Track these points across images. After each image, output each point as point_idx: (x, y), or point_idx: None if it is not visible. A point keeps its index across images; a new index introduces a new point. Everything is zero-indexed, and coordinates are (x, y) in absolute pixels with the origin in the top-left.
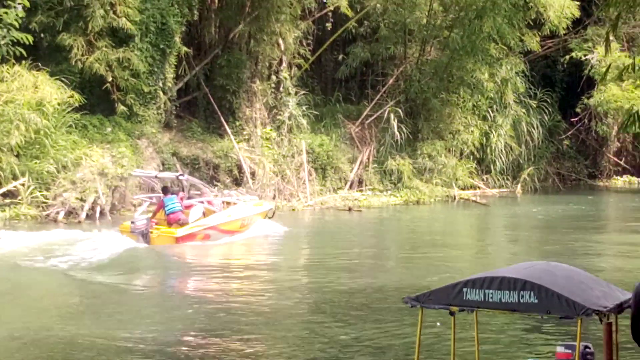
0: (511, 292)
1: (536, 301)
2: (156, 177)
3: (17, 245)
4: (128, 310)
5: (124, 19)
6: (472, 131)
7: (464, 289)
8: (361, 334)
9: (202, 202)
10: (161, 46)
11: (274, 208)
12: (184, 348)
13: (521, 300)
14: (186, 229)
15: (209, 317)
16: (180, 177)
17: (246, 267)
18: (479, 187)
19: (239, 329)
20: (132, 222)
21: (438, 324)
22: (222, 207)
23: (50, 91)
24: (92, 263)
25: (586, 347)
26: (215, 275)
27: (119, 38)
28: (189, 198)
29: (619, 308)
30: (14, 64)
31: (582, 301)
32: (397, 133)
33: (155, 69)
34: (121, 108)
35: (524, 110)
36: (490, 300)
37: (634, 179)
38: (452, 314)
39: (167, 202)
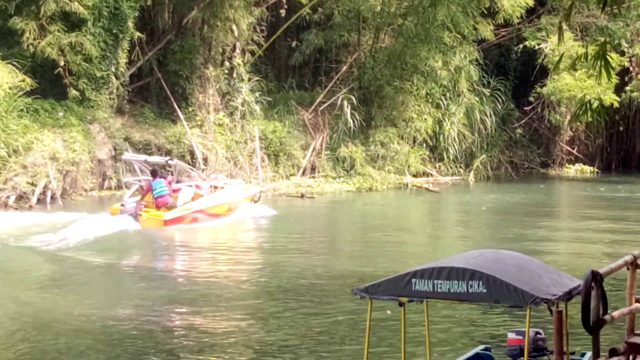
0: (460, 282)
1: (485, 291)
2: (145, 161)
3: (5, 225)
4: (115, 288)
5: (76, 3)
6: (425, 119)
7: (413, 280)
8: (312, 321)
9: (190, 186)
10: (114, 31)
11: (259, 193)
12: (163, 324)
13: (470, 290)
14: (174, 212)
15: (190, 295)
16: (169, 162)
17: (229, 249)
18: (431, 175)
19: (221, 306)
20: (122, 205)
21: (388, 312)
22: (210, 191)
23: (2, 75)
24: (82, 243)
25: (537, 332)
26: (200, 256)
27: (72, 22)
28: (177, 182)
29: (568, 296)
30: None
31: (530, 290)
32: (350, 120)
33: (108, 54)
34: (73, 93)
35: (477, 99)
36: (439, 290)
37: (586, 168)
38: (401, 304)
39: (155, 186)
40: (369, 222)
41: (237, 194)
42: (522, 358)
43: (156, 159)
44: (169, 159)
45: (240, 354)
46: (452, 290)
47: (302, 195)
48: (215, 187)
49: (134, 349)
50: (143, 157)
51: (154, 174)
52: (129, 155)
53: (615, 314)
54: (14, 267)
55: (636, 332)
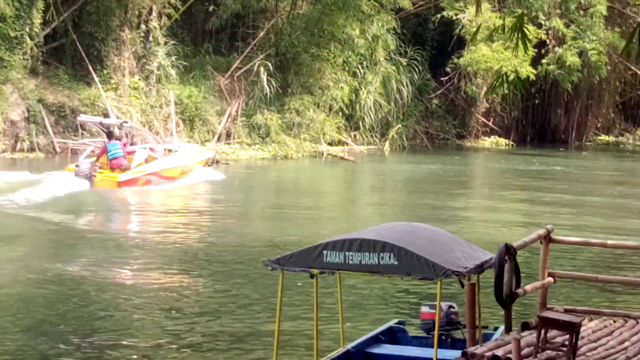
0: (371, 254)
1: (396, 263)
2: (101, 123)
3: None
4: (69, 248)
5: None
6: (341, 87)
7: (324, 252)
8: (224, 293)
9: (144, 149)
10: None
11: (213, 157)
12: (117, 280)
13: (381, 262)
14: (128, 174)
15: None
16: (124, 124)
17: (176, 212)
18: (347, 144)
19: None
20: (77, 166)
21: (299, 283)
22: (164, 154)
23: None
24: (37, 203)
25: (450, 306)
26: (148, 217)
27: None
28: (131, 144)
29: (480, 269)
30: None
31: (441, 262)
32: (266, 87)
33: (22, 14)
34: None
35: (394, 68)
36: (351, 262)
37: (502, 140)
38: (312, 276)
39: (110, 148)
40: (283, 192)
41: (190, 158)
42: (434, 332)
43: (111, 120)
44: (124, 121)
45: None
46: (363, 262)
47: (217, 162)
48: (170, 151)
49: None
50: (98, 119)
51: (109, 135)
52: (84, 117)
53: (528, 287)
54: None
55: (548, 305)
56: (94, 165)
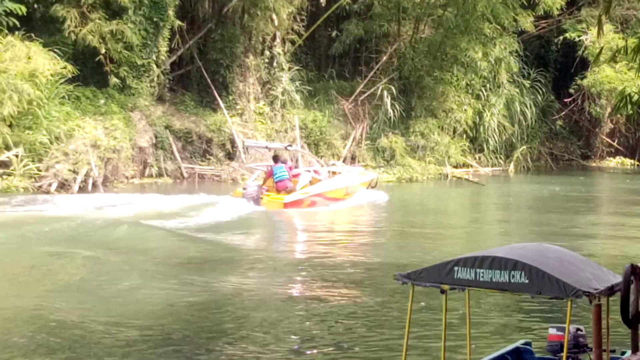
0: (502, 271)
1: (527, 281)
2: (267, 147)
3: (145, 207)
4: (238, 263)
5: None
6: (465, 110)
7: (455, 268)
8: (355, 308)
9: (308, 171)
10: (155, 19)
11: (376, 178)
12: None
13: (512, 280)
14: (294, 196)
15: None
16: (289, 148)
17: (346, 232)
18: (471, 166)
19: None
20: (244, 189)
21: (422, 303)
22: (328, 176)
23: (43, 62)
24: (207, 225)
25: (578, 329)
26: (317, 238)
27: (113, 10)
28: (296, 167)
29: (610, 291)
30: (7, 35)
31: (572, 282)
32: (390, 110)
33: (149, 42)
34: (114, 80)
35: (517, 90)
36: (481, 279)
37: (627, 160)
38: (442, 292)
39: (276, 171)
40: (410, 214)
41: (353, 179)
42: (562, 354)
43: (276, 145)
44: (289, 145)
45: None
46: (494, 280)
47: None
48: (334, 173)
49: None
50: (264, 143)
51: (275, 159)
52: (250, 142)
53: None
54: (144, 244)
55: None
56: (261, 188)
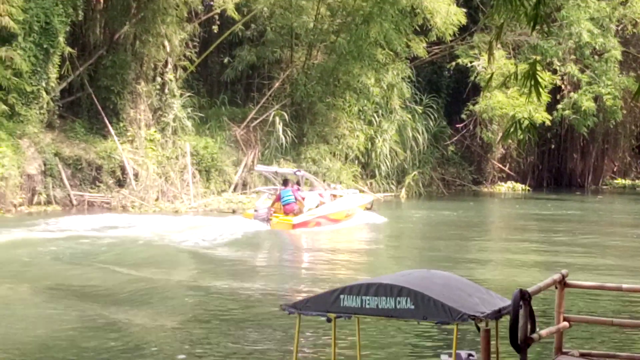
0: (388, 298)
1: (413, 307)
2: (276, 172)
3: (158, 228)
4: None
5: (7, 17)
6: (357, 135)
7: (341, 296)
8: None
9: (315, 195)
10: (45, 46)
11: (372, 201)
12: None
13: (398, 307)
14: (301, 217)
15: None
16: (297, 173)
17: (346, 251)
18: (363, 191)
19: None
20: (256, 210)
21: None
22: (330, 199)
23: None
24: (220, 242)
25: (469, 354)
26: (322, 255)
27: (2, 37)
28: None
29: (497, 314)
30: None
31: (458, 307)
32: (282, 136)
33: (39, 69)
34: (2, 107)
35: (409, 116)
36: (367, 306)
37: (518, 186)
38: (329, 320)
39: (283, 195)
40: (297, 243)
41: (353, 202)
42: None
43: (285, 170)
44: (297, 170)
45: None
46: (380, 307)
47: (234, 211)
48: (335, 196)
49: None
50: (273, 168)
51: (285, 182)
52: (261, 167)
53: (543, 332)
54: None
55: (564, 350)
56: (270, 210)
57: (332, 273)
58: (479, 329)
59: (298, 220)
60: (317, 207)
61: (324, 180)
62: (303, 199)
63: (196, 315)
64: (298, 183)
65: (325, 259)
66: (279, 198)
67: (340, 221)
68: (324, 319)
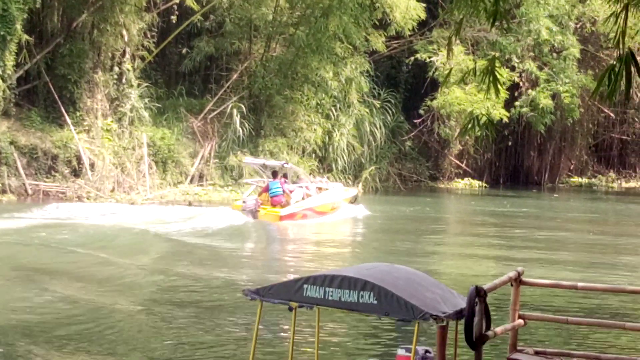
0: (351, 291)
1: (375, 302)
2: (264, 164)
3: (142, 217)
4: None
5: None
6: (314, 129)
7: (305, 285)
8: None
9: (301, 187)
10: (1, 33)
11: (356, 195)
12: None
13: (360, 300)
14: (289, 209)
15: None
16: (285, 165)
17: (331, 242)
18: (347, 185)
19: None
20: (244, 202)
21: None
22: (316, 192)
23: None
24: (208, 232)
25: (426, 351)
26: (306, 246)
27: None
28: (294, 182)
29: (458, 315)
30: None
31: (420, 305)
32: (239, 129)
33: None
34: None
35: (367, 110)
36: (330, 298)
37: (475, 182)
38: (290, 309)
39: (271, 186)
40: (250, 233)
41: (339, 195)
42: None
43: (273, 162)
44: (285, 163)
45: None
46: (342, 299)
47: (190, 203)
48: (320, 189)
49: None
50: (261, 160)
51: (274, 175)
52: (249, 159)
53: (498, 329)
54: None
55: (518, 347)
56: (257, 202)
57: (290, 265)
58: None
59: (285, 212)
60: (303, 199)
61: (309, 173)
62: (291, 191)
63: (169, 299)
64: (285, 176)
65: (299, 251)
66: (266, 189)
67: (326, 214)
68: (286, 306)
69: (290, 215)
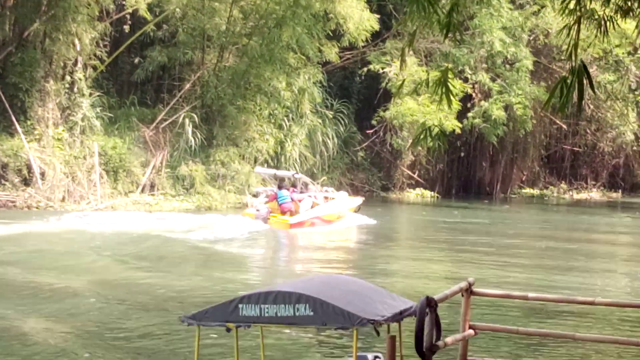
0: (287, 305)
1: (312, 314)
2: (275, 175)
3: (166, 225)
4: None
5: None
6: (267, 139)
7: (240, 305)
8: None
9: (310, 196)
10: None
11: (360, 204)
12: None
13: (297, 314)
14: (298, 217)
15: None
16: (295, 176)
17: (336, 249)
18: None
19: None
20: (257, 210)
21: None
22: (323, 201)
23: None
24: (222, 239)
25: (376, 357)
26: (311, 252)
27: None
28: (300, 192)
29: (397, 317)
30: None
31: (357, 312)
32: (191, 138)
33: None
34: None
35: (320, 121)
36: (266, 315)
37: (427, 192)
38: (228, 330)
39: (280, 195)
40: (191, 245)
41: (345, 204)
42: None
43: (284, 172)
44: (295, 173)
45: None
46: (279, 314)
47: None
48: (327, 198)
49: None
50: (272, 171)
51: (279, 186)
52: (260, 169)
53: (449, 339)
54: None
55: (469, 358)
56: (268, 210)
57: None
58: (378, 333)
59: (295, 220)
60: (311, 208)
61: (317, 183)
62: (300, 200)
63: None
64: (294, 185)
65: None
66: (274, 198)
67: (332, 222)
68: (224, 329)
69: (299, 224)
